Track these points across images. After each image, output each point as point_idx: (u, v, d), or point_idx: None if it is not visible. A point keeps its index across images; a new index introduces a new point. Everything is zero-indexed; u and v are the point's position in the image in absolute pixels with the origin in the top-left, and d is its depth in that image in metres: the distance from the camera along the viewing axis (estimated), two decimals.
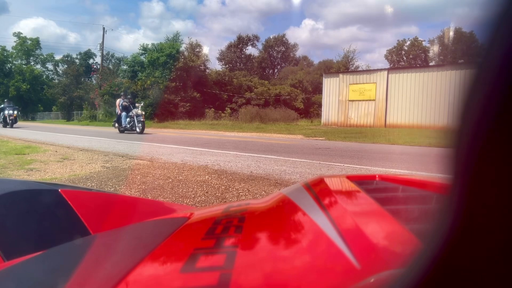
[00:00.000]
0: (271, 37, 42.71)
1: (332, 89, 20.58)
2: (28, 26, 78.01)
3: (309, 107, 30.27)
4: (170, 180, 3.55)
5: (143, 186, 3.27)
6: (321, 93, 22.11)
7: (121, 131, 12.50)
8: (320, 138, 10.81)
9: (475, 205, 0.14)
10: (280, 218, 0.52)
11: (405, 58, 39.51)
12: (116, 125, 13.16)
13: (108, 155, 5.59)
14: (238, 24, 74.18)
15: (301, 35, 69.39)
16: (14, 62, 46.68)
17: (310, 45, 68.52)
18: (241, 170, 4.20)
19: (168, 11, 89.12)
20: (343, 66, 31.44)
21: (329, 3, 75.66)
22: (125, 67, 30.33)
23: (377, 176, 0.68)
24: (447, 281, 0.15)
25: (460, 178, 0.15)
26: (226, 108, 27.51)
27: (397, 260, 0.28)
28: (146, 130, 12.64)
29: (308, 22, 73.90)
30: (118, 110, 13.18)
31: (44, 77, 47.42)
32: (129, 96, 14.02)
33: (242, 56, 40.87)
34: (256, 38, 42.11)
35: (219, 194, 3.00)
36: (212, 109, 26.73)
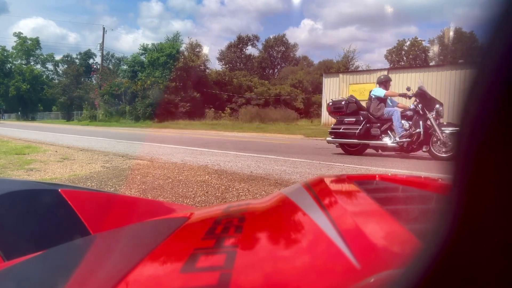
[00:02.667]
0: (271, 37, 42.75)
1: (332, 89, 20.58)
2: (28, 26, 78.30)
3: (309, 107, 30.27)
4: (170, 180, 3.55)
5: (143, 186, 3.27)
6: (321, 93, 22.11)
7: None
8: (320, 138, 10.81)
9: (475, 205, 0.14)
10: (280, 218, 0.52)
11: (405, 58, 39.50)
12: None
13: (108, 155, 5.59)
14: (237, 24, 74.31)
15: (300, 35, 69.50)
16: (14, 62, 46.74)
17: (309, 45, 68.61)
18: (241, 170, 4.20)
19: (167, 11, 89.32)
20: (343, 66, 31.44)
21: (328, 3, 75.80)
22: (125, 67, 30.40)
23: (377, 176, 0.68)
24: (447, 281, 0.15)
25: (460, 178, 0.15)
26: (226, 108, 27.51)
27: (397, 260, 0.28)
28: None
29: (307, 22, 74.02)
30: None
31: (44, 77, 47.46)
32: None
33: (242, 56, 40.86)
34: (256, 38, 42.14)
35: (219, 194, 2.99)
36: (212, 109, 26.73)
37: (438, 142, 5.49)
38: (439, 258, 0.15)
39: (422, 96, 5.81)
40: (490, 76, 0.14)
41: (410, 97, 6.03)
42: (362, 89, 19.52)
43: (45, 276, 0.41)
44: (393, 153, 5.98)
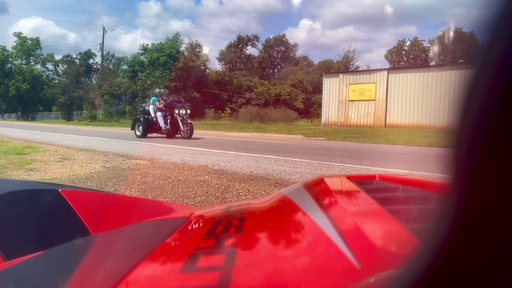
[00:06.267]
0: (271, 37, 42.76)
1: (332, 89, 20.57)
2: (27, 26, 78.36)
3: (309, 107, 30.26)
4: (170, 180, 3.55)
5: (143, 186, 3.27)
6: (321, 93, 22.10)
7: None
8: (320, 138, 10.81)
9: (475, 205, 0.14)
10: (280, 218, 0.52)
11: (405, 58, 39.52)
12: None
13: (108, 155, 5.59)
14: (236, 24, 74.31)
15: (299, 35, 69.56)
16: (14, 62, 46.73)
17: (308, 45, 68.67)
18: (241, 170, 4.20)
19: (166, 11, 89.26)
20: (343, 66, 31.43)
21: (326, 3, 75.78)
22: (125, 67, 30.39)
23: (377, 176, 0.68)
24: (447, 281, 0.15)
25: (460, 178, 0.15)
26: (226, 108, 27.50)
27: (397, 260, 0.28)
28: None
29: (305, 22, 74.06)
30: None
31: (44, 77, 47.48)
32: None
33: (242, 56, 40.85)
34: (256, 38, 42.14)
35: (219, 194, 2.99)
36: (212, 109, 26.72)
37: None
38: (439, 258, 0.15)
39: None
40: (490, 76, 0.14)
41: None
42: (362, 89, 19.53)
43: (45, 276, 0.41)
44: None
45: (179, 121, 9.66)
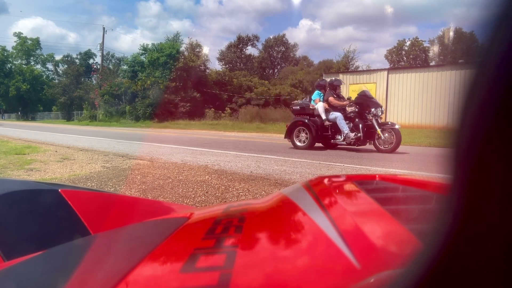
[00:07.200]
0: (271, 37, 42.75)
1: None
2: (27, 27, 78.52)
3: None
4: (170, 180, 3.55)
5: (143, 186, 3.27)
6: None
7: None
8: None
9: (475, 205, 0.14)
10: (280, 218, 0.52)
11: (405, 58, 39.52)
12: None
13: (108, 155, 5.59)
14: (236, 24, 74.29)
15: (299, 35, 69.51)
16: (14, 62, 46.74)
17: (308, 45, 68.63)
18: (241, 170, 4.20)
19: (165, 11, 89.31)
20: (343, 66, 31.42)
21: (326, 3, 75.82)
22: (125, 67, 30.40)
23: (377, 176, 0.68)
24: (447, 281, 0.15)
25: (460, 178, 0.15)
26: (226, 108, 27.50)
27: (397, 260, 0.28)
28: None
29: (305, 23, 74.02)
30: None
31: (44, 77, 47.51)
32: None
33: (242, 56, 40.86)
34: (256, 38, 42.14)
35: (219, 194, 2.99)
36: (212, 109, 26.72)
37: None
38: (439, 258, 0.15)
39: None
40: (490, 76, 0.14)
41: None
42: (362, 89, 19.56)
43: (45, 276, 0.41)
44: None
45: (376, 126, 6.25)
